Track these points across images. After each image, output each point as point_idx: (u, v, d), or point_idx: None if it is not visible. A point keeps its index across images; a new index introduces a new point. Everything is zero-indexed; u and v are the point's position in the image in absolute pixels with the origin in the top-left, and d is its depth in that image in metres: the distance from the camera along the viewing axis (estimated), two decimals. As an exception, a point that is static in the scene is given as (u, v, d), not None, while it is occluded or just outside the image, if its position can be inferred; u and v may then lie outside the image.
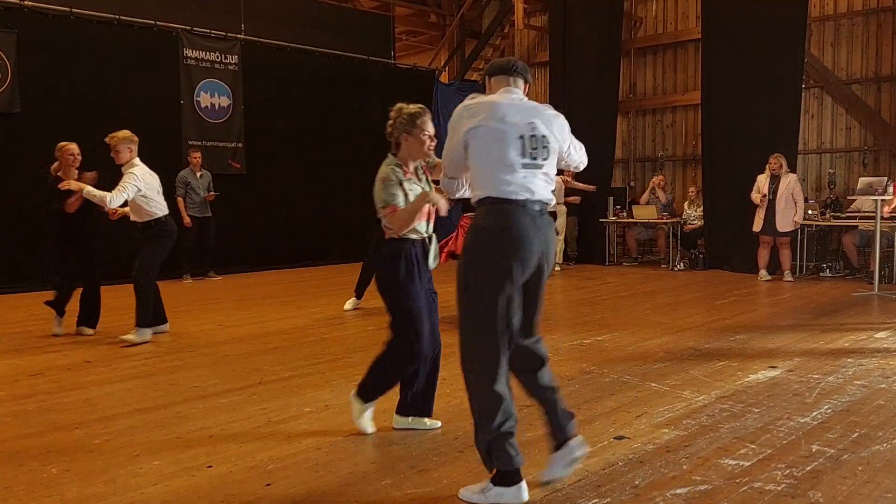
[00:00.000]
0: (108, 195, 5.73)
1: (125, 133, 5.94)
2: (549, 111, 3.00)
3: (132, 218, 6.07)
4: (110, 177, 6.09)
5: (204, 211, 9.84)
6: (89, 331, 6.27)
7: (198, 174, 9.82)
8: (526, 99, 3.02)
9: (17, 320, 7.08)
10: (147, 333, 6.00)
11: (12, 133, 8.84)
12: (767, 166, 9.20)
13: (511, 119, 2.85)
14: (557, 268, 10.77)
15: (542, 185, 2.88)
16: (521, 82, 3.03)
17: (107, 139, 5.93)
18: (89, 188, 5.77)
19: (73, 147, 6.11)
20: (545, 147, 2.88)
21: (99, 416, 4.04)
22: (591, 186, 11.25)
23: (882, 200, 8.19)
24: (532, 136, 2.86)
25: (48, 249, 6.38)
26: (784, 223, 9.16)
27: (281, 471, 3.22)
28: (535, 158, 2.86)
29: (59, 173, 6.08)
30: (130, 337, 5.91)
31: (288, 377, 4.84)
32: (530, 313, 2.98)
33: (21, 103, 8.90)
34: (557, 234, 10.60)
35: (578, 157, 3.20)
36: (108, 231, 7.41)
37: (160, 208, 6.05)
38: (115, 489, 3.04)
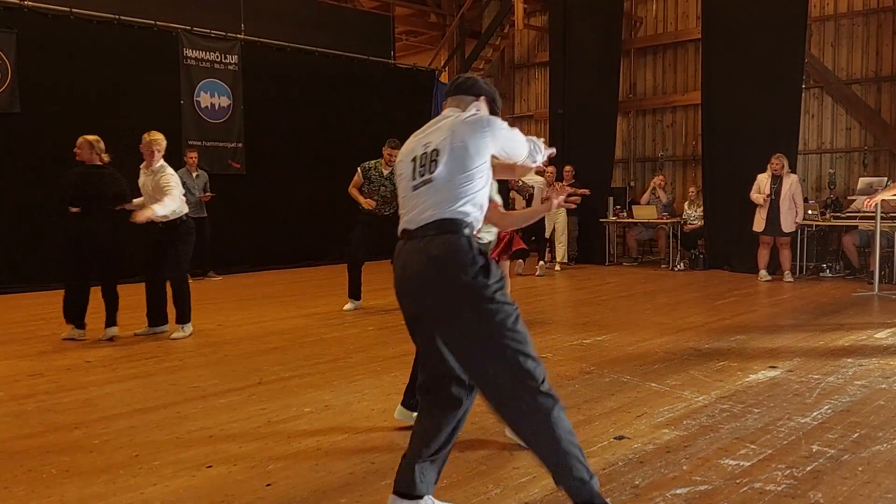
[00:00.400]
0: (169, 205, 5.87)
1: (161, 135, 6.08)
2: (454, 120, 2.67)
3: (155, 218, 6.05)
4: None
5: (199, 211, 9.82)
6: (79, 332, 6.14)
7: (194, 174, 9.81)
8: (455, 113, 2.74)
9: (17, 320, 7.07)
10: (190, 327, 6.22)
11: (12, 133, 8.84)
12: (769, 166, 9.20)
13: (409, 148, 2.75)
14: (558, 267, 10.76)
15: (431, 202, 2.59)
16: (465, 98, 2.82)
17: (148, 139, 5.98)
18: (156, 208, 5.80)
19: (77, 141, 6.08)
20: (434, 161, 2.62)
21: (99, 416, 4.04)
22: (584, 190, 11.18)
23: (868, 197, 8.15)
24: (423, 154, 2.66)
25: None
26: (788, 224, 9.17)
27: (281, 471, 3.22)
28: (423, 175, 2.64)
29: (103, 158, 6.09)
30: (179, 334, 6.11)
31: (288, 377, 4.84)
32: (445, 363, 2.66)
33: (21, 103, 8.90)
34: (543, 233, 10.68)
35: (514, 152, 2.77)
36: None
37: (185, 206, 6.15)
38: (114, 489, 3.04)
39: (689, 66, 12.56)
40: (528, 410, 2.47)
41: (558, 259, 10.82)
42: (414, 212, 2.63)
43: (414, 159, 2.68)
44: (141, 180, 6.14)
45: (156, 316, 6.28)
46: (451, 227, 2.56)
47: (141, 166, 6.13)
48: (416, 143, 2.73)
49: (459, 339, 2.52)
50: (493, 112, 2.88)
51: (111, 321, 6.10)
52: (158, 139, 6.06)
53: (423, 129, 2.80)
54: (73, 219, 6.05)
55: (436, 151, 2.63)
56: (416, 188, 2.65)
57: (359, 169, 7.29)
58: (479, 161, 2.62)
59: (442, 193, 2.59)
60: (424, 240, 2.57)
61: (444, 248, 2.52)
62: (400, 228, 2.71)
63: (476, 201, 2.62)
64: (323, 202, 11.78)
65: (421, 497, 2.66)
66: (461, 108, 2.78)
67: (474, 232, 2.75)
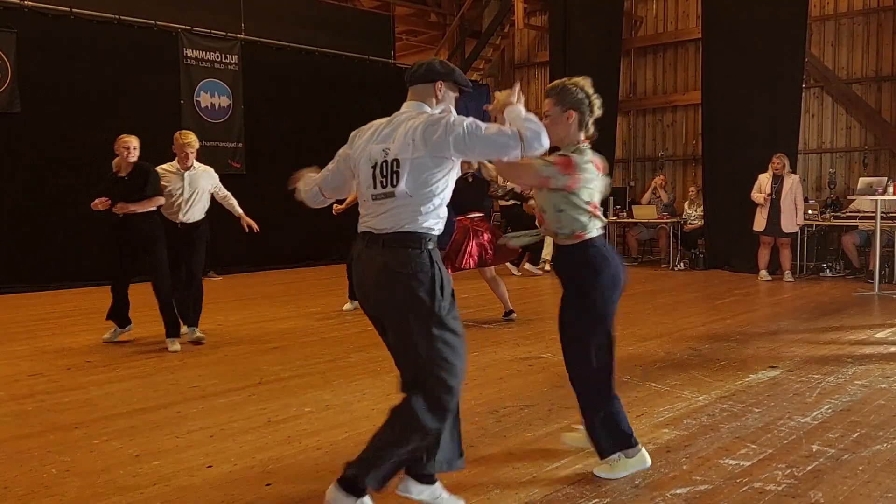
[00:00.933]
0: (235, 203, 6.35)
1: (195, 136, 6.03)
2: (415, 125, 2.61)
3: (182, 219, 5.87)
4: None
5: None
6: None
7: None
8: (409, 112, 2.69)
9: (17, 320, 7.07)
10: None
11: (12, 133, 8.84)
12: (770, 166, 9.20)
13: (368, 147, 2.71)
14: (547, 267, 10.59)
15: (393, 214, 2.60)
16: (422, 87, 2.72)
17: (182, 142, 5.84)
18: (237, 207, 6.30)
19: (130, 140, 5.66)
20: (395, 172, 2.59)
21: (99, 415, 4.04)
22: None
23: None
24: (384, 162, 2.62)
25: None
26: (789, 224, 9.17)
27: (281, 471, 3.22)
28: (385, 186, 2.62)
29: (116, 168, 5.71)
30: (199, 335, 5.94)
31: (288, 377, 4.84)
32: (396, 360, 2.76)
33: (21, 103, 8.90)
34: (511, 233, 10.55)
35: (492, 153, 2.62)
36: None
37: None
38: (115, 489, 3.04)
39: (689, 66, 12.56)
40: (419, 417, 2.56)
41: (546, 258, 10.66)
42: (377, 219, 2.64)
43: (374, 166, 2.65)
44: (173, 184, 5.83)
45: (191, 315, 6.01)
46: (414, 242, 2.59)
47: (170, 169, 5.89)
48: (375, 146, 2.68)
49: (402, 346, 2.65)
50: (461, 91, 2.81)
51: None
52: (193, 141, 5.89)
53: (380, 123, 2.74)
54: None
55: (396, 162, 2.60)
56: (376, 198, 2.65)
57: None
58: (441, 174, 2.62)
59: (405, 208, 2.59)
60: (385, 251, 2.59)
61: (403, 262, 2.57)
62: (360, 228, 2.71)
63: (439, 214, 2.66)
64: (323, 202, 11.76)
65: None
66: (422, 99, 2.72)
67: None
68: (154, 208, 5.70)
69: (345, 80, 12.08)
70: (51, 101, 9.09)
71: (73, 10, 9.28)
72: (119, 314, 5.94)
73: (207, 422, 3.90)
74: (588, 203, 3.05)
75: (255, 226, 6.21)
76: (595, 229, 3.10)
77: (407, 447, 2.60)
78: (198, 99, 10.54)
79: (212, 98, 10.71)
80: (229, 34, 10.85)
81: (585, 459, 3.27)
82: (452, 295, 2.64)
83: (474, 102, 12.54)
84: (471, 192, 6.43)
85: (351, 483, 2.59)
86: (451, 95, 2.78)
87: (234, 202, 6.34)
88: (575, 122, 3.09)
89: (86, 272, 9.25)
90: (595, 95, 3.17)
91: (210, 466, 3.28)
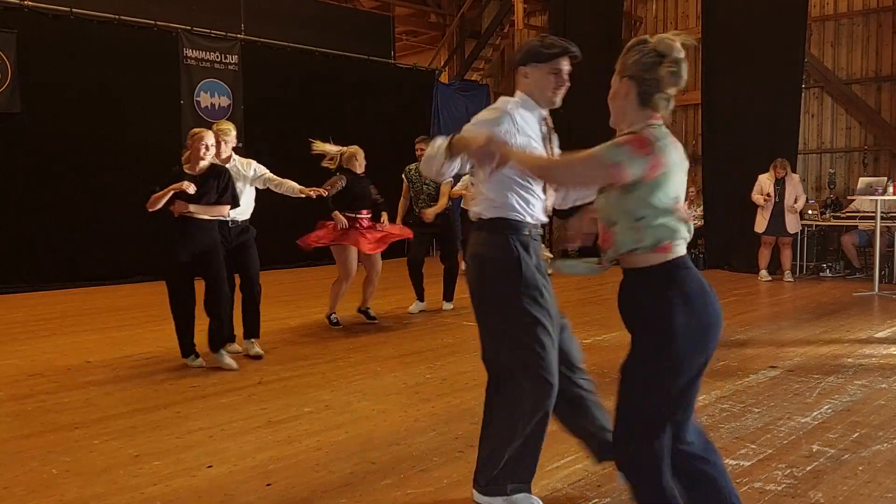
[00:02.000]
0: (289, 183, 5.83)
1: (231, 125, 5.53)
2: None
3: (233, 216, 5.24)
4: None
5: None
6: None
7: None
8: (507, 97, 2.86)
9: (18, 320, 7.07)
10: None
11: (12, 133, 8.83)
12: (772, 169, 9.22)
13: None
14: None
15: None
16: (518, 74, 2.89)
17: (216, 129, 5.32)
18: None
19: (207, 135, 5.04)
20: None
21: (99, 416, 4.04)
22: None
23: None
24: None
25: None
26: (792, 224, 9.19)
27: (281, 471, 3.22)
28: None
29: (186, 164, 5.01)
30: (258, 350, 5.43)
31: (288, 377, 4.84)
32: None
33: (21, 103, 8.88)
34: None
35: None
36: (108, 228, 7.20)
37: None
38: (115, 489, 3.04)
39: (690, 66, 12.48)
40: (523, 400, 2.74)
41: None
42: None
43: None
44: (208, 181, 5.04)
45: (253, 325, 5.53)
46: (489, 226, 2.80)
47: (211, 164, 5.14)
48: None
49: (479, 326, 2.88)
50: (565, 56, 2.94)
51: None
52: (228, 128, 5.46)
53: None
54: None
55: None
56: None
57: (403, 175, 7.21)
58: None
59: (477, 192, 2.84)
60: (472, 229, 2.88)
61: (479, 243, 2.82)
62: None
63: (488, 200, 2.77)
64: (323, 202, 11.74)
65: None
66: (516, 87, 2.94)
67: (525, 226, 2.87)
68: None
69: (345, 80, 12.06)
70: (51, 101, 9.08)
71: (73, 10, 9.27)
72: (189, 341, 5.20)
73: (207, 422, 3.90)
74: (675, 200, 2.21)
75: (320, 190, 5.92)
76: (683, 239, 2.24)
77: (514, 440, 2.73)
78: (198, 99, 10.53)
79: (212, 98, 10.70)
80: (229, 34, 10.84)
81: (585, 460, 3.27)
82: (539, 288, 2.80)
83: (473, 104, 12.56)
84: (360, 188, 6.67)
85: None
86: (544, 76, 2.86)
87: (290, 183, 5.76)
88: (634, 95, 2.31)
89: (86, 272, 9.25)
90: (673, 59, 2.26)
91: (210, 466, 3.28)
